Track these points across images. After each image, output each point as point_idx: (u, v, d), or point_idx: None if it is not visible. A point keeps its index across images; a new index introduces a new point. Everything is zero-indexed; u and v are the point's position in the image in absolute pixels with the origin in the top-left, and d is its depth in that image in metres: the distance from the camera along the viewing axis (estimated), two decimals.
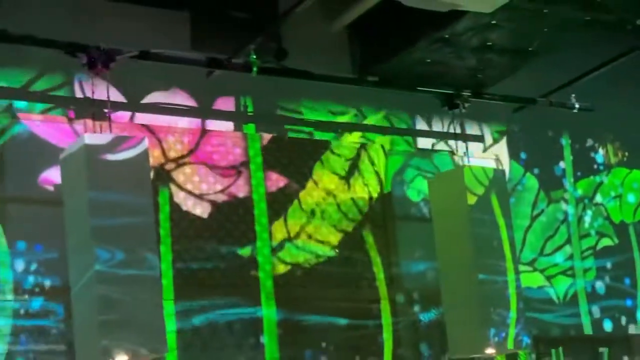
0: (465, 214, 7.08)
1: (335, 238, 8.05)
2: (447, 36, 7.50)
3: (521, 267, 8.29)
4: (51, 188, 6.81)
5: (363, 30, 8.14)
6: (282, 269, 7.75)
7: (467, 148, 7.72)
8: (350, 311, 7.91)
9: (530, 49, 7.92)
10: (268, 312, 7.54)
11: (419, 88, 7.78)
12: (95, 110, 6.28)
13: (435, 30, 7.44)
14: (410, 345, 8.16)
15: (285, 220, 7.85)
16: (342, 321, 7.85)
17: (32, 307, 6.62)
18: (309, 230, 7.94)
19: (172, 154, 7.46)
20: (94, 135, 5.96)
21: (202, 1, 7.39)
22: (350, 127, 8.34)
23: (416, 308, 8.26)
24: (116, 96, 6.93)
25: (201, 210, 7.49)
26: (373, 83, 7.90)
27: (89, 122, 6.54)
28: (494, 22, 7.30)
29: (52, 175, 6.75)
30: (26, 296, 6.61)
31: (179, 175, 7.45)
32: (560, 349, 8.88)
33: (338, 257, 8.02)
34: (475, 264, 6.99)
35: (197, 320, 7.21)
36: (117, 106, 6.95)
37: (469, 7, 6.82)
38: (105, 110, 6.27)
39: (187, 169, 7.50)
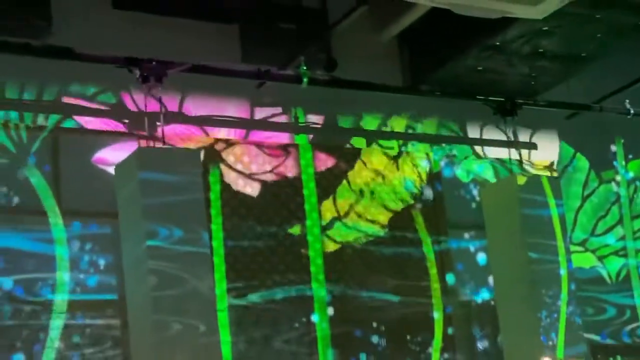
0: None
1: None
2: (498, 43, 7.45)
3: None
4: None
5: (413, 39, 8.12)
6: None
7: (520, 155, 7.67)
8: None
9: (582, 54, 7.83)
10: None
11: (470, 96, 7.75)
12: (149, 123, 6.34)
13: (486, 37, 7.39)
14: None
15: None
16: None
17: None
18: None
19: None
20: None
21: (251, 14, 7.42)
22: (402, 137, 8.32)
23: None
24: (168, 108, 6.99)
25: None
26: (424, 92, 7.88)
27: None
28: (545, 28, 7.23)
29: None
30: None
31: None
32: (619, 357, 8.76)
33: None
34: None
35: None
36: (169, 119, 7.01)
37: (520, 14, 6.77)
38: (158, 124, 6.34)
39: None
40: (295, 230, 7.66)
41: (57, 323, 6.57)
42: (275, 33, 7.44)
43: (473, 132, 8.67)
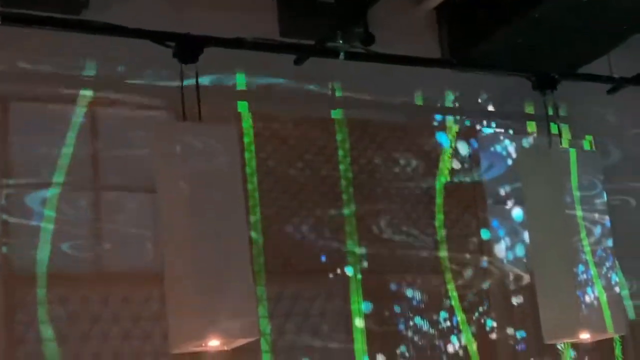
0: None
1: None
2: (537, 15, 7.35)
3: None
4: None
5: (451, 13, 8.05)
6: None
7: (559, 130, 7.59)
8: None
9: (624, 27, 7.71)
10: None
11: (509, 69, 7.68)
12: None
13: (525, 10, 7.30)
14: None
15: None
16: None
17: None
18: None
19: None
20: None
21: None
22: (439, 111, 8.29)
23: None
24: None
25: None
26: (462, 66, 7.82)
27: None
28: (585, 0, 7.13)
29: None
30: None
31: None
32: None
33: None
34: None
35: None
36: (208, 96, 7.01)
37: None
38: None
39: None
40: None
41: None
42: (313, 7, 7.41)
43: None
